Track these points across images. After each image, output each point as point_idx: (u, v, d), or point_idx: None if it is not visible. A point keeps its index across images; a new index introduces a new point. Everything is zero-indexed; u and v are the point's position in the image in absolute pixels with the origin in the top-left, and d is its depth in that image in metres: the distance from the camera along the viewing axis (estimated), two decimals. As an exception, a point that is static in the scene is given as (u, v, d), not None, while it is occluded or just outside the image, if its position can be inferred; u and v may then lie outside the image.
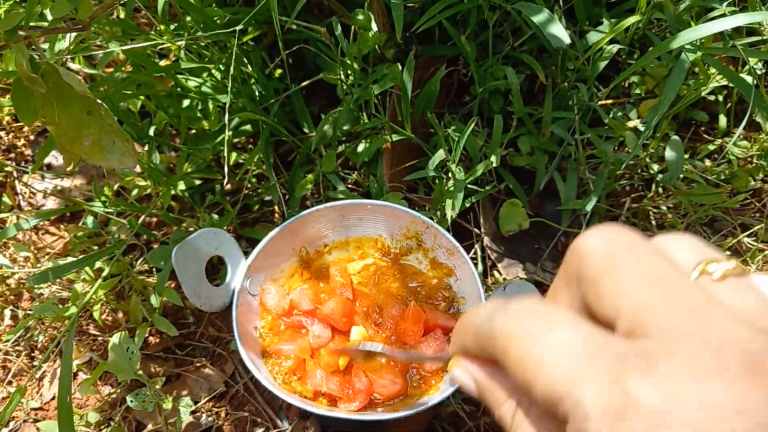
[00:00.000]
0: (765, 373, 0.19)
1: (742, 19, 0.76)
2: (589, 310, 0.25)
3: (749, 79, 0.88)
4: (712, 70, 0.89)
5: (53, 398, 0.90)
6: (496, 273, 0.93)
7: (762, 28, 0.94)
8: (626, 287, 0.23)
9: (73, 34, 0.87)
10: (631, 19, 0.88)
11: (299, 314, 0.79)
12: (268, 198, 0.98)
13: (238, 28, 0.67)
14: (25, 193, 1.07)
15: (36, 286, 0.92)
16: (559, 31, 0.73)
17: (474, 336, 0.27)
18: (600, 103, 0.96)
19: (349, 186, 0.96)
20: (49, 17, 0.73)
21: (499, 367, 0.26)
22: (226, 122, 0.60)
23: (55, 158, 1.09)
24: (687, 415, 0.19)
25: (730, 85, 0.92)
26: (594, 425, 0.21)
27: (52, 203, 1.06)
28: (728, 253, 0.21)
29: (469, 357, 0.28)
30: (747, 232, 0.94)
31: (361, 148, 0.93)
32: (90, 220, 0.96)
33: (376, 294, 0.81)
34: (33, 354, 0.94)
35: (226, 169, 0.59)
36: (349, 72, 0.90)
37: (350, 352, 0.72)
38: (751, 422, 0.19)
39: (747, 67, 0.90)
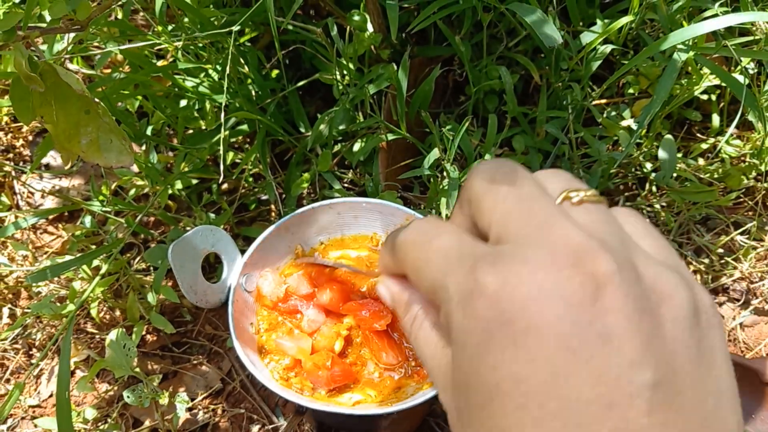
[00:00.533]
0: (584, 265, 0.23)
1: (732, 19, 0.77)
2: (475, 226, 0.29)
3: (741, 78, 0.88)
4: (705, 70, 0.90)
5: (51, 395, 0.91)
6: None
7: (754, 28, 0.94)
8: (498, 204, 0.27)
9: (72, 35, 0.88)
10: (624, 20, 0.89)
11: (295, 299, 0.79)
12: (264, 197, 0.99)
13: (234, 28, 0.67)
14: (23, 192, 1.08)
15: (34, 284, 0.93)
16: (552, 31, 0.74)
17: (387, 251, 0.33)
18: (594, 102, 0.96)
19: (345, 185, 0.97)
20: (48, 18, 0.74)
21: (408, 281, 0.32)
22: (223, 122, 0.60)
23: (53, 158, 1.10)
24: (518, 296, 0.23)
25: (723, 84, 0.93)
26: (453, 306, 0.26)
27: (50, 203, 1.06)
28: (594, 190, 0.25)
29: (388, 274, 0.34)
30: (740, 230, 0.95)
31: (356, 147, 0.94)
32: (88, 219, 0.97)
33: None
34: (31, 352, 0.94)
35: (222, 168, 0.60)
36: (345, 72, 0.91)
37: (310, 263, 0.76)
38: (563, 301, 0.23)
39: (740, 66, 0.91)
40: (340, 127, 0.94)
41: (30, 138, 1.13)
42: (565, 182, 0.29)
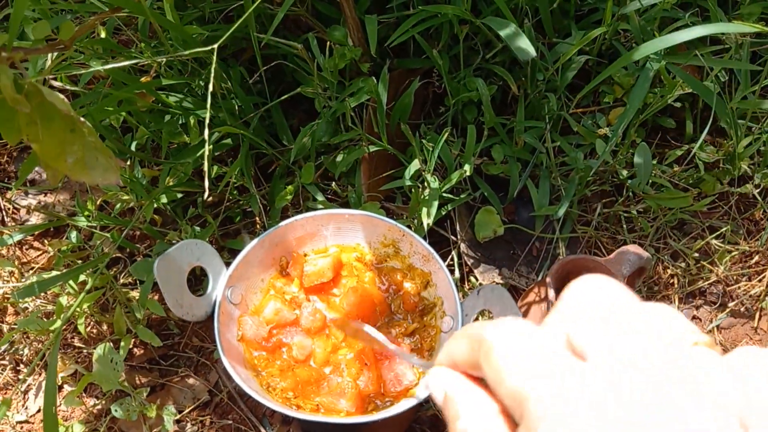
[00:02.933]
0: None
1: (701, 31, 0.80)
2: None
3: (712, 87, 0.91)
4: (678, 79, 0.92)
5: (39, 411, 0.91)
6: (472, 278, 0.96)
7: (724, 38, 0.97)
8: (590, 332, 0.25)
9: (55, 54, 0.89)
10: (598, 31, 0.91)
11: (276, 333, 0.81)
12: (249, 209, 1.00)
13: (216, 46, 0.69)
14: (8, 208, 1.08)
15: (21, 300, 0.93)
16: (526, 44, 0.76)
17: (466, 341, 0.28)
18: (570, 111, 0.99)
19: (328, 196, 0.98)
20: (31, 37, 0.75)
21: (473, 382, 0.28)
22: (206, 137, 0.62)
23: (38, 174, 1.11)
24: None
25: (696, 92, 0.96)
26: (544, 426, 0.22)
27: (35, 218, 1.07)
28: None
29: (451, 367, 0.29)
30: (715, 234, 0.97)
31: (339, 159, 0.95)
32: (74, 234, 0.98)
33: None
34: (18, 368, 0.95)
35: (207, 183, 0.61)
36: (326, 86, 0.93)
37: (350, 327, 0.74)
38: None
39: (711, 75, 0.93)
40: (323, 140, 0.95)
41: (14, 154, 1.13)
42: (681, 324, 0.26)
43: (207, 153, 0.65)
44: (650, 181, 0.96)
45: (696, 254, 0.96)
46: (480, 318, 0.90)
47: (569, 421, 0.22)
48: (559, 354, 0.24)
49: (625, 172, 0.96)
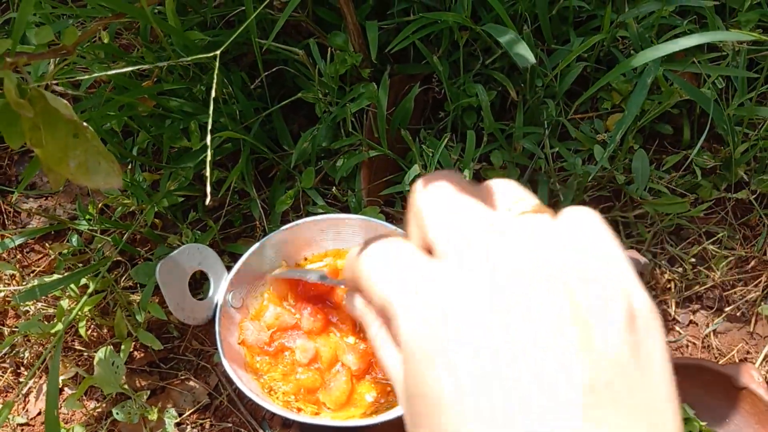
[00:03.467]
0: (506, 279, 0.25)
1: (698, 39, 0.80)
2: (423, 238, 0.30)
3: (709, 93, 0.92)
4: (675, 86, 0.93)
5: (39, 413, 0.92)
6: (471, 283, 0.96)
7: (722, 45, 0.98)
8: (435, 218, 0.29)
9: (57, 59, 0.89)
10: (597, 38, 0.92)
11: (278, 337, 0.81)
12: (249, 213, 1.01)
13: (218, 52, 0.69)
14: (9, 212, 1.09)
15: (22, 303, 0.94)
16: (525, 51, 0.77)
17: (348, 270, 0.34)
18: (569, 117, 0.99)
19: (328, 201, 0.99)
20: (34, 42, 0.76)
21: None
22: (208, 143, 0.62)
23: (39, 178, 1.11)
24: (449, 312, 0.25)
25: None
26: (398, 322, 0.27)
27: (36, 222, 1.07)
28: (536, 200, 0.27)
29: (353, 288, 0.35)
30: (711, 239, 0.98)
31: (339, 164, 0.96)
32: (75, 238, 0.98)
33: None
34: (19, 370, 0.95)
35: (208, 188, 0.62)
36: (327, 91, 0.93)
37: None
38: (489, 314, 0.25)
39: (708, 82, 0.94)
40: (323, 145, 0.96)
41: (15, 158, 1.14)
42: (509, 193, 0.30)
43: (209, 158, 0.66)
44: (648, 186, 0.96)
45: (693, 259, 0.97)
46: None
47: (425, 317, 0.26)
48: (414, 255, 0.29)
49: (622, 178, 0.97)
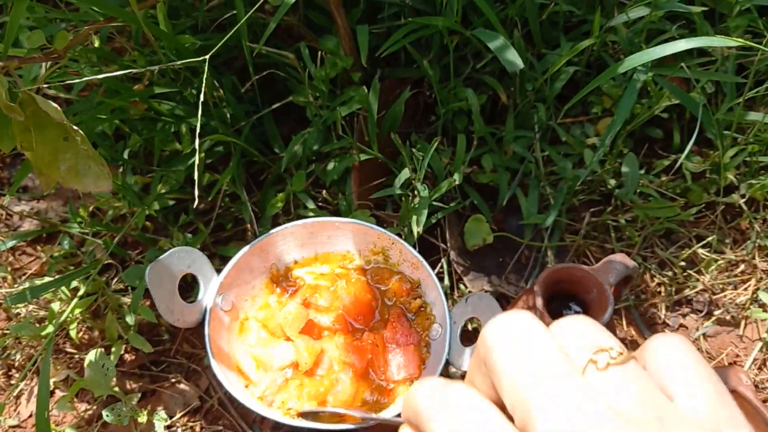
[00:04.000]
0: None
1: (686, 45, 0.81)
2: (493, 389, 0.27)
3: (698, 98, 0.92)
4: (665, 90, 0.93)
5: (30, 416, 0.92)
6: (462, 286, 0.97)
7: (711, 50, 0.99)
8: (513, 381, 0.25)
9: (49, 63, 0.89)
10: (586, 42, 0.92)
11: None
12: (240, 216, 1.01)
13: (207, 56, 0.70)
14: (1, 215, 1.09)
15: (13, 305, 0.94)
16: (514, 56, 0.78)
17: (407, 410, 0.29)
18: (559, 121, 1.00)
19: (319, 204, 0.99)
20: (26, 45, 0.76)
21: None
22: (197, 147, 0.63)
23: (31, 180, 1.11)
24: None
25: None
26: None
27: (28, 225, 1.07)
28: (616, 342, 0.25)
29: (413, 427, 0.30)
30: (701, 243, 0.98)
31: (330, 167, 0.96)
32: (66, 240, 0.98)
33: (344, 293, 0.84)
34: (10, 372, 0.95)
35: (196, 192, 0.62)
36: (318, 95, 0.94)
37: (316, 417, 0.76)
38: None
39: (697, 87, 0.95)
40: (314, 148, 0.96)
41: (7, 160, 1.14)
42: (588, 339, 0.27)
43: (197, 162, 0.66)
44: (638, 190, 0.97)
45: (683, 263, 0.98)
46: (468, 325, 0.91)
47: None
48: (491, 424, 0.25)
49: (613, 182, 0.98)
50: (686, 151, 0.94)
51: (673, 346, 0.27)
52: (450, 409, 0.26)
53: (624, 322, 0.94)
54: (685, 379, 0.26)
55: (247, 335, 0.83)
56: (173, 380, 0.92)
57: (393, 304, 0.84)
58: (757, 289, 0.95)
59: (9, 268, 1.01)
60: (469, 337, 0.91)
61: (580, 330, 0.27)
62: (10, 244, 1.00)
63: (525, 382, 0.25)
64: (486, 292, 0.94)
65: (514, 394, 0.25)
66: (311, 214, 0.95)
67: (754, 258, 0.98)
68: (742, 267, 0.98)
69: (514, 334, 0.27)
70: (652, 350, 0.28)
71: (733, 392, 0.83)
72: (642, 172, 0.98)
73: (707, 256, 0.98)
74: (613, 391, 0.25)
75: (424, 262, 0.81)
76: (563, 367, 0.25)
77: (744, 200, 0.99)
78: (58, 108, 0.65)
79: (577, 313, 0.81)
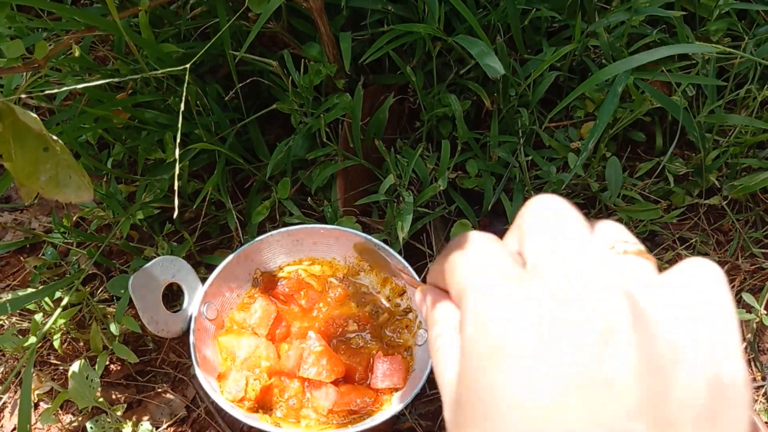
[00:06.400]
0: (600, 307, 0.24)
1: (666, 51, 0.82)
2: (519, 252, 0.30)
3: (680, 101, 0.93)
4: (646, 94, 0.94)
5: (14, 429, 0.91)
6: (448, 291, 0.97)
7: (692, 54, 1.00)
8: (539, 236, 0.28)
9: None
10: (568, 47, 0.93)
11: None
12: (226, 224, 1.01)
13: (188, 65, 0.70)
14: (-16, 225, 1.08)
15: (-5, 317, 0.93)
16: (495, 62, 0.78)
17: (438, 263, 0.33)
18: (543, 126, 1.00)
19: (305, 211, 0.99)
20: (6, 55, 0.76)
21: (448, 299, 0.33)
22: (177, 157, 0.62)
23: (14, 191, 1.10)
24: (530, 325, 0.24)
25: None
26: (468, 316, 0.27)
27: (11, 235, 1.07)
28: (643, 244, 0.27)
29: (433, 284, 0.35)
30: (684, 245, 0.99)
31: (315, 174, 0.96)
32: (50, 251, 0.98)
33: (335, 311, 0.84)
34: (-7, 385, 0.94)
35: (176, 202, 0.62)
36: (302, 102, 0.94)
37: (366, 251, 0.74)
38: (573, 338, 0.24)
39: (678, 90, 0.95)
40: (299, 155, 0.96)
41: (-10, 170, 1.13)
42: (615, 233, 0.30)
43: (176, 172, 0.66)
44: (621, 193, 0.98)
45: (667, 265, 0.98)
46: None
47: (497, 312, 0.25)
48: (503, 259, 0.28)
49: (596, 185, 0.98)
50: (668, 154, 0.95)
51: (703, 277, 0.27)
52: (479, 253, 0.29)
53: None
54: (696, 314, 0.26)
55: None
56: (159, 390, 0.92)
57: (379, 312, 0.84)
58: (741, 289, 0.96)
59: (-8, 280, 1.00)
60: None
61: (615, 226, 0.30)
62: (-7, 255, 0.99)
63: (543, 240, 0.28)
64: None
65: (532, 254, 0.28)
66: (297, 221, 0.95)
67: (737, 259, 0.99)
68: (725, 268, 0.99)
69: (553, 209, 0.29)
70: (680, 271, 0.28)
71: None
72: (625, 175, 0.99)
73: (691, 257, 0.98)
74: (619, 267, 0.27)
75: (410, 268, 0.81)
76: (581, 242, 0.27)
77: (726, 202, 1.00)
78: (38, 118, 0.65)
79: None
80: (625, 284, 0.25)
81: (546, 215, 0.29)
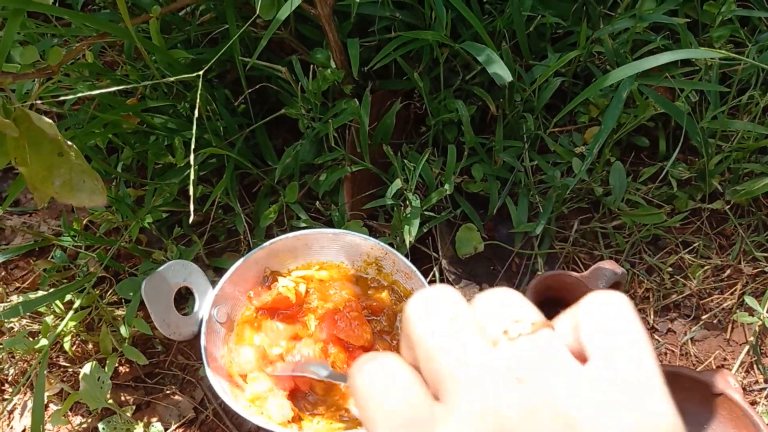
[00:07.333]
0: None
1: (670, 57, 0.83)
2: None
3: (683, 107, 0.94)
4: (650, 100, 0.95)
5: (24, 430, 0.92)
6: (454, 295, 0.98)
7: (695, 60, 1.01)
8: (425, 356, 0.27)
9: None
10: (573, 54, 0.94)
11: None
12: (234, 228, 1.02)
13: (201, 72, 0.71)
14: (-7, 228, 1.09)
15: (6, 320, 0.94)
16: (502, 69, 0.79)
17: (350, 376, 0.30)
18: (548, 131, 1.01)
19: (312, 215, 1.00)
20: (18, 61, 0.77)
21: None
22: (191, 161, 0.63)
23: (23, 195, 1.11)
24: None
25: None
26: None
27: (21, 238, 1.08)
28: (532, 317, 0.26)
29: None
30: (687, 249, 1.00)
31: (322, 178, 0.97)
32: (59, 254, 0.99)
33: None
34: (3, 387, 0.95)
35: (192, 207, 0.63)
36: (310, 107, 0.95)
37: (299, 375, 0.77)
38: None
39: (682, 96, 0.96)
40: (306, 160, 0.97)
41: (-1, 174, 1.14)
42: (507, 311, 0.28)
43: (192, 177, 0.67)
44: (625, 198, 0.99)
45: (670, 269, 0.99)
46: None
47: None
48: (408, 402, 0.26)
49: (600, 190, 0.99)
50: (672, 159, 0.96)
51: (604, 307, 0.27)
52: (378, 376, 0.27)
53: (614, 328, 0.96)
54: (604, 344, 0.26)
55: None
56: (168, 392, 0.93)
57: (385, 314, 0.85)
58: (743, 293, 0.97)
59: (1, 283, 1.01)
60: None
61: (500, 301, 0.28)
62: (3, 258, 1.00)
63: (436, 352, 0.26)
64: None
65: (427, 363, 0.27)
66: (304, 225, 0.96)
67: (740, 263, 1.00)
68: (728, 272, 1.00)
69: (432, 307, 0.28)
70: (581, 312, 0.27)
71: (721, 395, 0.84)
72: (629, 179, 1.00)
73: (694, 261, 0.99)
74: (516, 360, 0.26)
75: (417, 272, 0.82)
76: (474, 339, 0.26)
77: (729, 206, 1.01)
78: (53, 123, 0.66)
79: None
80: (525, 381, 0.25)
81: (426, 316, 0.27)
